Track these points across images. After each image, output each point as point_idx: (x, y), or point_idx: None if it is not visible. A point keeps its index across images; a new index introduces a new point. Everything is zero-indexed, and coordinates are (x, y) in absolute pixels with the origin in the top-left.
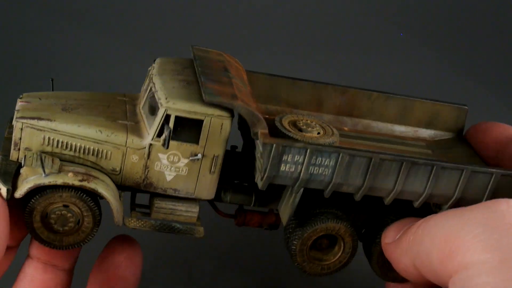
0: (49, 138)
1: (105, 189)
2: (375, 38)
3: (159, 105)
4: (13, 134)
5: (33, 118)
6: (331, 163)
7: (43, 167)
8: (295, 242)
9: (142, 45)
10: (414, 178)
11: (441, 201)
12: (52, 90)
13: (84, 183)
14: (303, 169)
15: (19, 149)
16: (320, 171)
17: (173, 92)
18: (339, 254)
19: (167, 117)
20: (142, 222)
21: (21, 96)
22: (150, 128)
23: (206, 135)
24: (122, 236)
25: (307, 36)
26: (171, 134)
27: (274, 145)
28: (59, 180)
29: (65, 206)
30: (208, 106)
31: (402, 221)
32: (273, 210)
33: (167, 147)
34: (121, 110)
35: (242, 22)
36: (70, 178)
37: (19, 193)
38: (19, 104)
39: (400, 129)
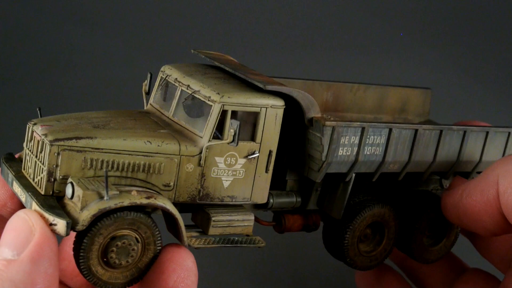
0: (90, 160)
1: (172, 207)
2: (375, 38)
3: (210, 102)
4: (46, 163)
5: (70, 139)
6: (382, 140)
7: (106, 188)
8: (347, 235)
9: (141, 47)
10: (449, 146)
11: (467, 168)
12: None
13: (152, 201)
14: (359, 150)
15: (54, 180)
16: (372, 151)
17: (221, 88)
18: (384, 241)
19: (223, 113)
20: (204, 240)
21: (32, 121)
22: (204, 130)
23: (262, 128)
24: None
25: (307, 35)
26: (240, 128)
27: (335, 127)
28: (125, 200)
29: (122, 236)
30: (262, 97)
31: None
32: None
33: (237, 144)
34: (151, 121)
35: (240, 22)
36: (136, 197)
37: (81, 225)
38: (41, 128)
39: (380, 118)
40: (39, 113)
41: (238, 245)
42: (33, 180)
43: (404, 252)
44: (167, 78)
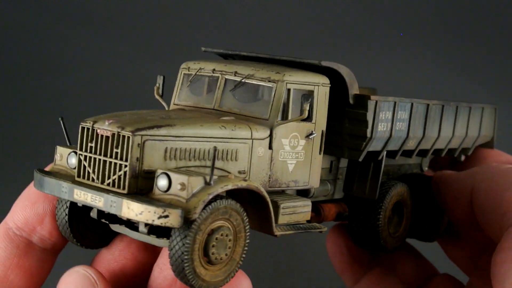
0: (171, 150)
1: (264, 190)
2: (375, 38)
3: (271, 83)
4: (128, 157)
5: (151, 128)
6: (406, 115)
7: (212, 171)
8: (380, 216)
9: (142, 48)
10: (447, 121)
11: (456, 144)
12: (64, 129)
13: (249, 183)
14: (392, 125)
15: (137, 175)
16: (400, 126)
17: (275, 68)
18: (404, 221)
19: (288, 92)
20: (282, 228)
21: (87, 120)
22: (269, 111)
23: (316, 108)
24: None
25: (306, 35)
26: (313, 101)
27: (377, 102)
28: (229, 184)
29: (218, 228)
30: (314, 75)
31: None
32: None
33: (312, 119)
34: (208, 112)
35: (240, 21)
36: (236, 180)
37: (193, 213)
38: (110, 122)
39: None
40: (62, 123)
41: (308, 230)
42: (103, 182)
43: (416, 236)
44: (198, 72)
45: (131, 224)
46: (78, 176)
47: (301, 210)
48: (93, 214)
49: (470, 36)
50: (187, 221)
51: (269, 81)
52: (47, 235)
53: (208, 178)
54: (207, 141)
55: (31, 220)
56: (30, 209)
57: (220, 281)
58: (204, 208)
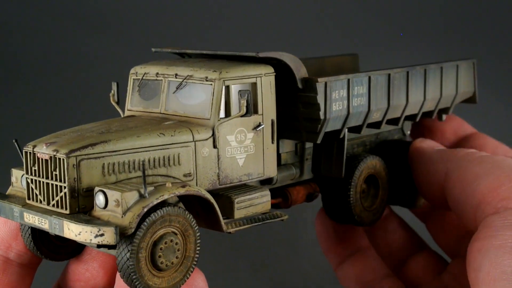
0: (109, 165)
1: (206, 192)
2: (375, 38)
3: (209, 82)
4: (65, 178)
5: (85, 147)
6: (364, 90)
7: (145, 184)
8: (351, 192)
9: (142, 48)
10: (415, 86)
11: (432, 106)
12: (20, 151)
13: (188, 189)
14: (349, 103)
15: (77, 195)
16: (358, 101)
17: (214, 66)
18: (380, 192)
19: (227, 89)
20: (235, 224)
21: (29, 145)
22: (210, 110)
23: (261, 99)
24: None
25: (306, 35)
26: (250, 96)
27: (327, 83)
28: (165, 193)
29: (160, 237)
30: (255, 67)
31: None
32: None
33: (251, 113)
34: (147, 120)
35: (239, 22)
36: (173, 188)
37: (130, 228)
38: (47, 146)
39: None
40: (16, 145)
41: (266, 221)
42: (49, 204)
43: (398, 203)
44: (144, 76)
45: None
46: (28, 198)
47: (259, 201)
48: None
49: (471, 36)
50: (125, 237)
51: (207, 81)
52: (23, 249)
53: (142, 191)
54: (146, 151)
55: (6, 236)
56: (3, 226)
57: (178, 281)
58: (140, 225)
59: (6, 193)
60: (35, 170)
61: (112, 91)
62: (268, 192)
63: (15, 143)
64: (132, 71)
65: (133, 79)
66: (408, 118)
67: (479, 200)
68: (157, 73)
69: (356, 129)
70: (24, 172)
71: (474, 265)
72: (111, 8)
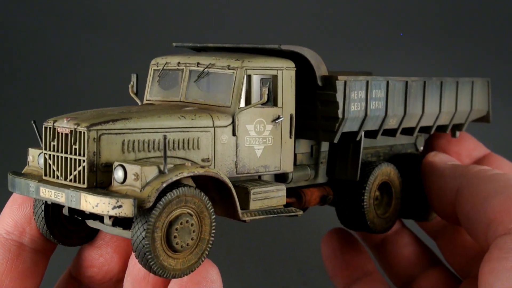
0: (129, 142)
1: (225, 175)
2: (375, 38)
3: (231, 70)
4: (85, 151)
5: (106, 122)
6: (382, 94)
7: (165, 159)
8: (365, 197)
9: (141, 48)
10: (431, 97)
11: (446, 120)
12: (37, 132)
13: (207, 170)
14: (366, 105)
15: (96, 170)
16: (376, 105)
17: (236, 56)
18: (393, 201)
19: (248, 78)
20: (251, 214)
21: (48, 121)
22: (231, 98)
23: (281, 92)
24: None
25: (306, 35)
26: (271, 85)
27: (346, 82)
28: (184, 171)
29: (176, 218)
30: (276, 60)
31: (445, 154)
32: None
33: (272, 102)
34: (168, 106)
35: (239, 21)
36: (192, 168)
37: (148, 201)
38: (68, 120)
39: None
40: (34, 126)
41: (281, 214)
42: (66, 179)
43: (410, 216)
44: (165, 66)
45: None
46: (45, 174)
47: (274, 195)
48: (65, 211)
49: (471, 36)
50: (141, 215)
51: (229, 69)
52: (37, 234)
53: (162, 167)
54: (166, 132)
55: (20, 221)
56: (18, 210)
57: (193, 264)
58: (156, 204)
59: (22, 172)
60: (54, 145)
61: (132, 83)
62: (283, 187)
63: (33, 124)
64: (153, 62)
65: (154, 69)
66: (423, 130)
67: (490, 219)
68: (179, 63)
69: (372, 135)
70: (43, 147)
71: (485, 287)
72: (111, 8)
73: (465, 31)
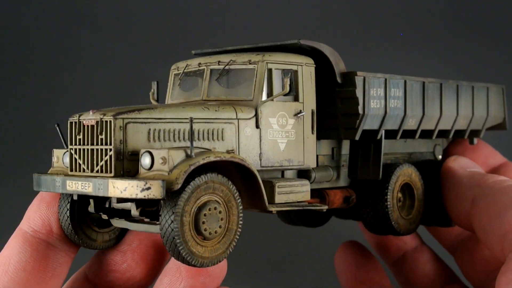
0: (154, 131)
1: (251, 163)
2: (375, 38)
3: (252, 65)
4: (111, 140)
5: (132, 111)
6: (400, 93)
7: (192, 142)
8: (388, 197)
9: (142, 49)
10: (449, 99)
11: (464, 125)
12: (61, 134)
13: (233, 156)
14: (386, 102)
15: (123, 159)
16: (395, 104)
17: (256, 52)
18: (416, 203)
19: (269, 72)
20: (277, 205)
21: (73, 116)
22: (253, 91)
23: (302, 87)
24: None
25: (306, 35)
26: (293, 76)
27: (365, 78)
28: (211, 155)
29: (204, 204)
30: (296, 56)
31: (467, 159)
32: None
33: (295, 97)
34: (192, 102)
35: (239, 22)
36: (219, 153)
37: (176, 183)
38: (94, 112)
39: None
40: (58, 129)
41: (306, 207)
42: (92, 171)
43: (434, 223)
44: (185, 69)
45: (131, 217)
46: (71, 170)
47: (299, 189)
48: (91, 209)
49: (471, 36)
50: (169, 199)
51: (250, 63)
52: (63, 234)
53: (189, 151)
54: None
55: (48, 219)
56: (47, 209)
57: (221, 253)
58: (184, 189)
59: (47, 173)
60: (79, 139)
61: (152, 90)
62: (308, 183)
63: (57, 127)
64: (173, 67)
65: (174, 74)
66: (441, 134)
67: (506, 231)
68: (199, 63)
69: (392, 135)
70: (69, 143)
71: None
72: (111, 8)
73: (465, 31)
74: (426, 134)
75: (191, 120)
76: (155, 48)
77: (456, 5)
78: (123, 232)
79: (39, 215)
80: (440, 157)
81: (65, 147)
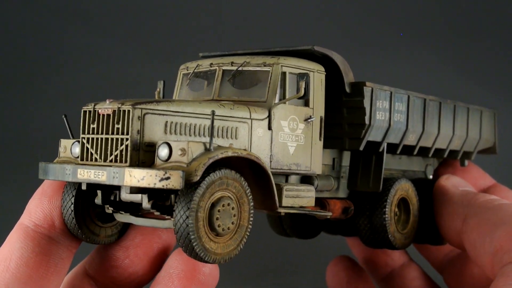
0: (171, 124)
1: (264, 161)
2: (375, 38)
3: (267, 67)
4: (129, 129)
5: (150, 102)
6: (403, 107)
7: (211, 136)
8: (386, 210)
9: (141, 48)
10: (446, 119)
11: (458, 145)
12: (68, 125)
13: (249, 153)
14: (390, 115)
15: (139, 148)
16: (398, 117)
17: (270, 56)
18: (411, 218)
19: (283, 75)
20: (287, 208)
21: (88, 105)
22: (267, 93)
23: (313, 93)
24: None
25: (306, 36)
26: (309, 80)
27: (373, 89)
28: (229, 151)
29: (218, 200)
30: (308, 62)
31: (459, 178)
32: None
33: (306, 103)
34: (205, 101)
35: (238, 23)
36: (236, 149)
37: (195, 175)
38: (110, 101)
39: None
40: (65, 120)
41: (312, 213)
42: (105, 160)
43: (425, 241)
44: (196, 69)
45: (136, 211)
46: (82, 159)
47: (305, 194)
48: (98, 201)
49: (471, 36)
50: (184, 194)
51: (265, 66)
52: (65, 229)
53: (208, 145)
54: (207, 118)
55: (50, 214)
56: (48, 203)
57: (232, 250)
58: (199, 184)
59: (54, 162)
60: (93, 128)
61: (158, 89)
62: (313, 189)
63: (64, 118)
64: (182, 67)
65: (183, 74)
66: (436, 153)
67: (496, 248)
68: (211, 64)
69: (392, 150)
70: (81, 132)
71: None
72: (112, 7)
73: (465, 31)
74: (423, 152)
75: (213, 114)
76: (159, 49)
77: (456, 5)
78: (125, 227)
79: (40, 209)
80: (431, 176)
81: (72, 138)
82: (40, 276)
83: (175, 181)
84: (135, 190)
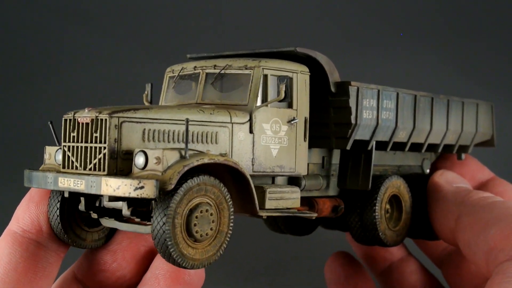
0: (149, 131)
1: (243, 166)
2: (375, 38)
3: (248, 70)
4: (106, 138)
5: (128, 110)
6: (392, 105)
7: (186, 144)
8: (376, 207)
9: (141, 48)
10: (439, 114)
11: (453, 139)
12: (53, 132)
13: (227, 159)
14: (378, 114)
15: (116, 157)
16: (387, 115)
17: (251, 58)
18: (403, 215)
19: (265, 77)
20: (268, 210)
21: (68, 113)
22: (248, 96)
23: (296, 94)
24: None
25: (306, 36)
26: (288, 82)
27: (359, 88)
28: (205, 157)
29: (196, 206)
30: (291, 63)
31: (453, 173)
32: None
33: (289, 104)
34: (187, 104)
35: (238, 23)
36: (213, 155)
37: (169, 183)
38: (89, 110)
39: None
40: (51, 127)
41: (296, 214)
42: (85, 168)
43: (420, 236)
44: (180, 72)
45: (121, 217)
46: (63, 167)
47: (289, 196)
48: (81, 207)
49: (471, 36)
50: (163, 197)
51: (246, 68)
52: (52, 234)
53: (183, 152)
54: (185, 124)
55: (38, 219)
56: (36, 208)
57: (211, 255)
58: (176, 191)
59: (39, 169)
60: (73, 136)
61: (146, 92)
62: (298, 190)
63: (50, 125)
64: (168, 70)
65: (169, 76)
66: (430, 148)
67: (490, 247)
68: (195, 67)
69: (382, 147)
70: (62, 140)
71: None
72: (107, 8)
73: (465, 31)
74: (416, 148)
75: (187, 121)
76: (151, 50)
77: (456, 5)
78: (112, 231)
79: (28, 215)
80: (428, 171)
81: (58, 144)
82: (28, 280)
83: (149, 190)
84: (113, 198)
